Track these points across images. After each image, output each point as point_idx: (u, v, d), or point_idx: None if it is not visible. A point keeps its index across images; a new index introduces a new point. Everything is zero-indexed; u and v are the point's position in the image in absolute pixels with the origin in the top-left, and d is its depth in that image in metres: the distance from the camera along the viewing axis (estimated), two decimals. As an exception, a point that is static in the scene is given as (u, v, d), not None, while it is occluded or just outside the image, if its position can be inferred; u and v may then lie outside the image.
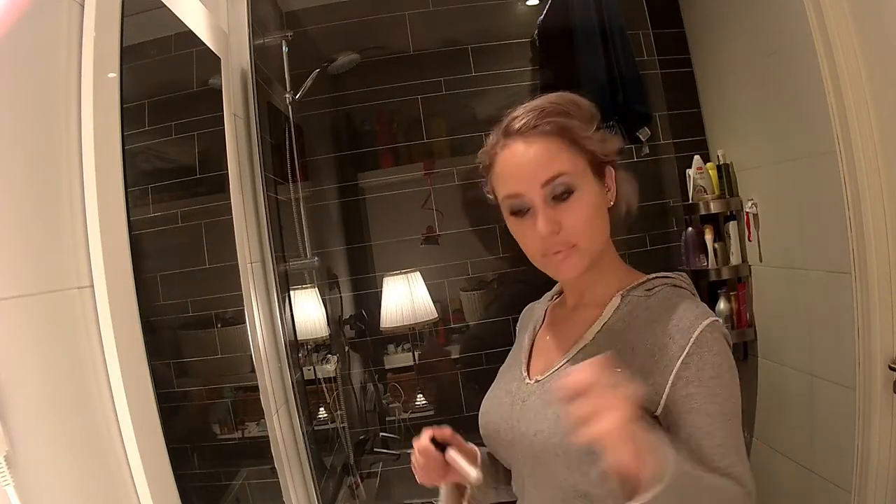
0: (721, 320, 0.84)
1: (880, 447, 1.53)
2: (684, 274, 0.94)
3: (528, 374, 0.94)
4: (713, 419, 0.77)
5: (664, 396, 0.79)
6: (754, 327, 2.14)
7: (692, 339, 0.79)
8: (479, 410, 1.00)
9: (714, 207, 2.14)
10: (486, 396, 1.01)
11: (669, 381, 0.78)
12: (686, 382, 0.78)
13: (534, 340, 1.00)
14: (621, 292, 0.90)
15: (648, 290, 0.89)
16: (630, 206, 0.93)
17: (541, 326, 1.01)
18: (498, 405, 0.95)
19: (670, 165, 2.31)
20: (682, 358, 0.78)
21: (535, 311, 1.07)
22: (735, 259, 2.15)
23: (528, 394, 0.91)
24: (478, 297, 2.42)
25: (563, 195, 0.84)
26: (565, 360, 0.89)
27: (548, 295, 1.08)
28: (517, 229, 0.88)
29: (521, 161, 0.86)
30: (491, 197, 0.94)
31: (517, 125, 0.87)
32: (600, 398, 0.64)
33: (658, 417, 0.80)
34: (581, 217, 0.84)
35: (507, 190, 0.87)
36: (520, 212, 0.86)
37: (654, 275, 0.92)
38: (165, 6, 1.17)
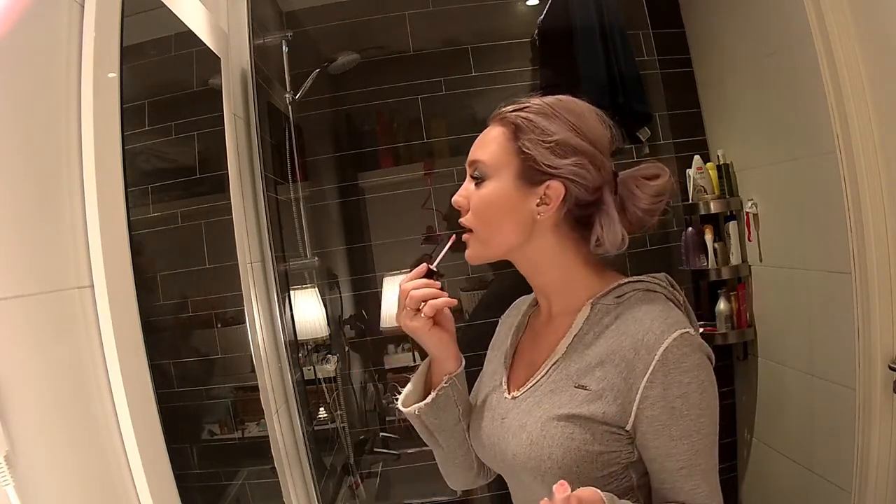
0: (693, 330, 0.80)
1: (880, 447, 1.53)
2: (663, 275, 0.89)
3: (508, 387, 0.93)
4: (677, 442, 0.76)
5: (632, 415, 0.77)
6: (754, 327, 2.14)
7: (657, 357, 0.76)
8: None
9: (714, 207, 2.14)
10: (472, 394, 1.01)
11: (636, 402, 0.77)
12: (651, 403, 0.76)
13: (515, 348, 0.98)
14: (591, 300, 0.86)
15: (618, 297, 0.85)
16: (601, 243, 0.86)
17: (522, 334, 0.99)
18: (481, 418, 0.94)
19: (670, 165, 2.29)
20: (646, 376, 0.76)
21: (520, 311, 1.03)
22: (735, 259, 2.15)
23: (507, 410, 0.89)
24: (478, 297, 2.42)
25: (477, 180, 0.88)
26: (541, 376, 0.87)
27: (530, 298, 1.03)
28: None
29: (478, 139, 0.91)
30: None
31: (499, 109, 0.90)
32: None
33: (629, 431, 0.79)
34: (480, 205, 0.87)
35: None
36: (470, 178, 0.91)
37: (625, 279, 0.87)
38: (165, 6, 1.17)
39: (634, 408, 0.77)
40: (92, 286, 0.85)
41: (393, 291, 2.30)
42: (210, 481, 1.23)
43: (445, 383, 0.91)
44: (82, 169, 0.87)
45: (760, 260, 2.06)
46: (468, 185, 0.89)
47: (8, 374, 0.67)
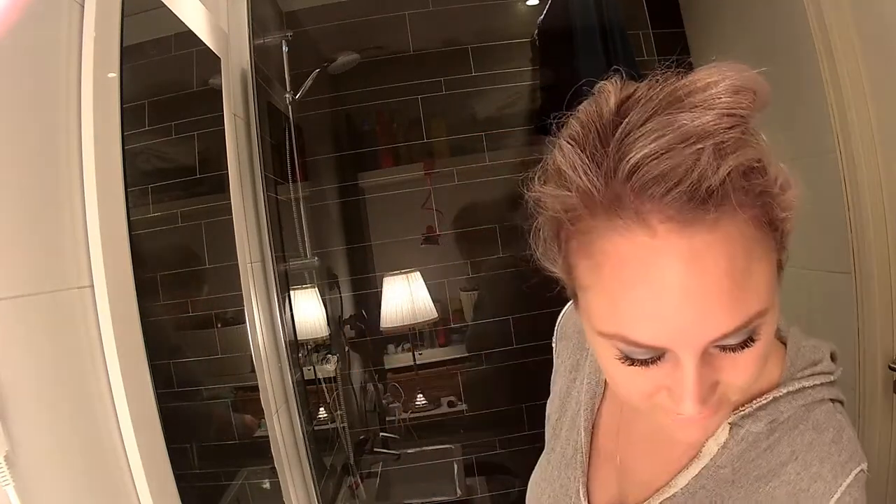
0: (866, 466, 0.54)
1: (880, 447, 1.53)
2: (828, 360, 0.59)
3: (590, 501, 0.65)
4: None
5: None
6: (754, 327, 2.14)
7: None
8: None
9: (714, 207, 2.14)
10: (534, 484, 0.74)
11: None
12: None
13: (592, 427, 0.68)
14: (731, 419, 0.57)
15: (772, 420, 0.56)
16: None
17: (601, 401, 0.69)
18: None
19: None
20: None
21: (582, 339, 0.74)
22: (735, 259, 2.15)
23: None
24: (478, 296, 2.42)
25: (740, 345, 0.46)
26: None
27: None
28: (618, 370, 0.49)
29: (677, 292, 0.42)
30: (559, 273, 0.53)
31: (669, 180, 0.41)
32: None
33: None
34: (753, 370, 0.48)
35: (625, 331, 0.46)
36: (637, 361, 0.48)
37: (784, 389, 0.56)
38: (165, 6, 1.17)
39: None
40: (92, 286, 0.85)
41: (393, 291, 2.30)
42: (210, 481, 1.23)
43: None
44: (82, 169, 0.86)
45: (760, 260, 2.06)
46: (699, 373, 0.45)
47: (8, 374, 0.67)
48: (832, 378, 0.58)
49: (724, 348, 0.46)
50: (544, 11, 2.29)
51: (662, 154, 0.41)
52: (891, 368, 1.50)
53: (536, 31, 2.34)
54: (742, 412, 0.57)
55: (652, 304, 0.43)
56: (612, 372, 0.50)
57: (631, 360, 0.47)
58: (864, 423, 1.55)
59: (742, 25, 1.95)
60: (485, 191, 2.34)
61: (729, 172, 0.41)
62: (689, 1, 2.28)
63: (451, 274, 2.39)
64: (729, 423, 0.57)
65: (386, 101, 2.36)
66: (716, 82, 0.44)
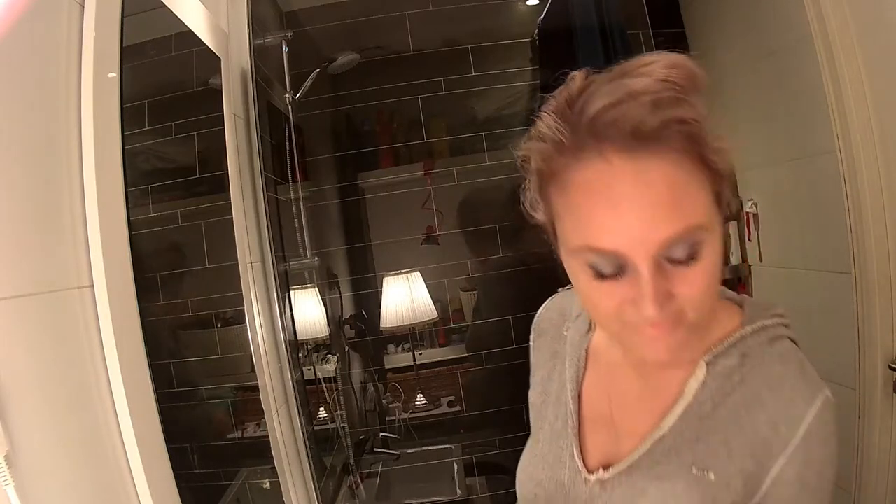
0: (829, 393, 0.64)
1: (880, 447, 1.53)
2: (781, 308, 0.70)
3: (584, 461, 0.72)
4: None
5: (758, 495, 0.63)
6: (754, 327, 2.14)
7: (800, 433, 0.61)
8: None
9: (714, 207, 2.14)
10: (524, 465, 0.80)
11: (766, 482, 0.62)
12: (787, 482, 0.62)
13: (579, 394, 0.76)
14: (706, 358, 0.67)
15: (743, 354, 0.66)
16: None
17: (584, 374, 0.78)
18: (547, 499, 0.74)
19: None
20: (786, 456, 0.62)
21: (560, 329, 0.83)
22: (735, 259, 2.15)
23: (591, 497, 0.70)
24: (478, 296, 2.42)
25: (686, 258, 0.57)
26: (639, 454, 0.67)
27: (574, 309, 0.83)
28: (590, 289, 0.61)
29: (627, 201, 0.55)
30: (540, 217, 0.66)
31: (619, 124, 0.55)
32: None
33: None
34: (703, 285, 0.58)
35: (590, 240, 0.57)
36: (604, 275, 0.59)
37: (748, 327, 0.67)
38: (165, 6, 1.17)
39: (764, 488, 0.63)
40: (92, 286, 0.85)
41: (393, 291, 2.30)
42: (210, 481, 1.23)
43: None
44: (82, 169, 0.86)
45: (760, 260, 2.06)
46: (656, 282, 0.56)
47: (8, 374, 0.67)
48: (787, 322, 0.69)
49: (672, 262, 0.57)
50: (544, 11, 2.29)
51: (614, 106, 0.55)
52: (891, 368, 1.50)
53: (536, 31, 2.34)
54: (715, 351, 0.67)
55: (609, 214, 0.56)
56: (587, 293, 0.62)
57: (600, 276, 0.59)
58: (864, 423, 1.55)
59: (742, 25, 1.95)
60: (485, 191, 2.34)
61: (665, 119, 0.54)
62: (689, 1, 2.28)
63: (451, 274, 2.39)
64: (705, 362, 0.67)
65: (386, 101, 2.36)
66: (655, 60, 0.57)
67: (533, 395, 0.85)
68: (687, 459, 0.65)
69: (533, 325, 0.89)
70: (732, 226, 2.15)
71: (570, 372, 0.78)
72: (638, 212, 0.55)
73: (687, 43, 2.30)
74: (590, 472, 0.71)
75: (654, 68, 0.56)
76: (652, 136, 0.54)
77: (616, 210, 0.55)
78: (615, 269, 0.58)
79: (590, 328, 0.80)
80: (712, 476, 0.63)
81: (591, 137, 0.56)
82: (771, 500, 0.63)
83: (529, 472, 0.78)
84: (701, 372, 0.67)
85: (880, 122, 1.49)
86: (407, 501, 2.19)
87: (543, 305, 0.89)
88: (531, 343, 0.89)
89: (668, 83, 0.55)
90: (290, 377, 1.69)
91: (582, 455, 0.72)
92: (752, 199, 2.06)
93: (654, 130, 0.54)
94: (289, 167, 2.04)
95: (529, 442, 0.82)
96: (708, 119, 0.58)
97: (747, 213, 2.08)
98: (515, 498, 0.96)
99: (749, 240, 2.10)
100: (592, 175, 0.57)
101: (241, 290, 1.46)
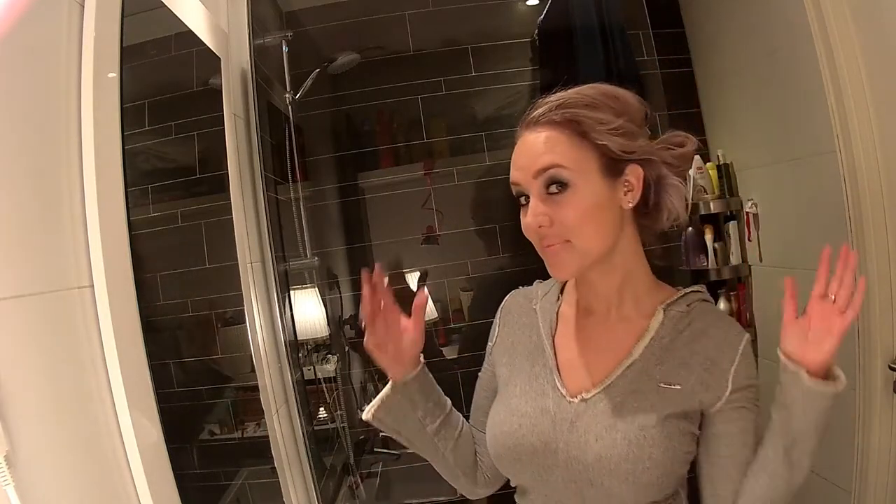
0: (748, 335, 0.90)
1: (880, 447, 1.53)
2: (700, 286, 0.96)
3: (566, 390, 0.89)
4: (757, 415, 0.88)
5: (722, 401, 0.86)
6: (754, 327, 2.14)
7: (740, 351, 0.87)
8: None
9: (714, 207, 2.14)
10: (500, 412, 0.94)
11: (728, 389, 0.85)
12: (737, 388, 0.86)
13: (554, 349, 0.94)
14: (662, 306, 0.91)
15: (688, 304, 0.91)
16: (673, 215, 0.92)
17: (555, 332, 0.96)
18: (532, 425, 0.88)
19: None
20: (734, 368, 0.86)
21: (533, 311, 1.01)
22: (735, 259, 2.15)
23: (577, 414, 0.86)
24: (477, 296, 2.42)
25: (556, 189, 0.84)
26: (615, 376, 0.88)
27: (540, 292, 1.03)
28: (521, 215, 0.88)
29: (523, 150, 0.87)
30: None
31: (532, 114, 0.87)
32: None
33: (702, 414, 0.88)
34: (573, 213, 0.83)
35: (511, 178, 0.88)
36: (521, 202, 0.88)
37: (689, 288, 0.94)
38: (165, 6, 1.17)
39: (726, 395, 0.85)
40: (92, 286, 0.86)
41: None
42: (210, 481, 1.23)
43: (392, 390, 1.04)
44: (82, 169, 0.87)
45: (760, 260, 2.06)
46: (535, 202, 0.85)
47: (8, 374, 0.68)
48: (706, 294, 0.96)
49: (550, 194, 0.84)
50: (544, 11, 2.29)
51: (538, 108, 0.87)
52: (891, 368, 1.50)
53: (536, 31, 2.34)
54: (668, 301, 0.91)
55: (515, 160, 0.88)
56: (522, 218, 0.88)
57: (520, 203, 0.89)
58: (864, 423, 1.55)
59: (742, 26, 1.95)
60: (485, 191, 2.33)
61: (562, 114, 0.84)
62: (689, 1, 2.28)
63: (451, 274, 2.39)
64: (662, 309, 0.91)
65: (386, 101, 2.35)
66: (587, 86, 0.88)
67: (498, 362, 1.02)
68: (655, 377, 0.87)
69: (500, 307, 1.08)
70: (732, 226, 2.15)
71: (544, 330, 0.97)
72: (526, 156, 0.86)
73: (687, 43, 2.30)
74: (573, 396, 0.88)
75: (577, 90, 0.87)
76: (546, 120, 0.85)
77: (517, 156, 0.88)
78: (523, 196, 0.88)
79: (558, 299, 0.99)
80: (678, 386, 0.86)
81: (524, 125, 0.89)
82: (731, 399, 0.85)
83: (507, 413, 0.92)
84: (660, 314, 0.91)
85: (880, 122, 1.49)
86: (407, 501, 2.19)
87: (510, 293, 1.08)
88: (497, 320, 1.06)
89: (580, 95, 0.86)
90: (290, 377, 1.69)
91: (564, 386, 0.90)
92: (752, 199, 2.06)
93: (547, 116, 0.85)
94: (289, 167, 2.04)
95: (497, 404, 0.96)
96: (610, 122, 0.84)
97: (747, 213, 2.08)
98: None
99: (749, 240, 2.10)
100: (519, 142, 0.89)
101: (241, 290, 1.46)
